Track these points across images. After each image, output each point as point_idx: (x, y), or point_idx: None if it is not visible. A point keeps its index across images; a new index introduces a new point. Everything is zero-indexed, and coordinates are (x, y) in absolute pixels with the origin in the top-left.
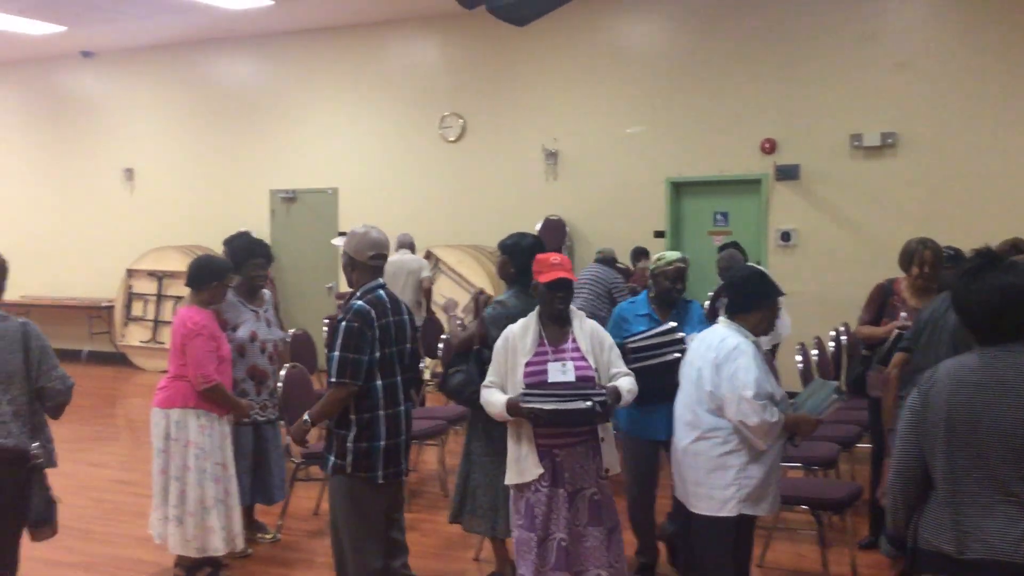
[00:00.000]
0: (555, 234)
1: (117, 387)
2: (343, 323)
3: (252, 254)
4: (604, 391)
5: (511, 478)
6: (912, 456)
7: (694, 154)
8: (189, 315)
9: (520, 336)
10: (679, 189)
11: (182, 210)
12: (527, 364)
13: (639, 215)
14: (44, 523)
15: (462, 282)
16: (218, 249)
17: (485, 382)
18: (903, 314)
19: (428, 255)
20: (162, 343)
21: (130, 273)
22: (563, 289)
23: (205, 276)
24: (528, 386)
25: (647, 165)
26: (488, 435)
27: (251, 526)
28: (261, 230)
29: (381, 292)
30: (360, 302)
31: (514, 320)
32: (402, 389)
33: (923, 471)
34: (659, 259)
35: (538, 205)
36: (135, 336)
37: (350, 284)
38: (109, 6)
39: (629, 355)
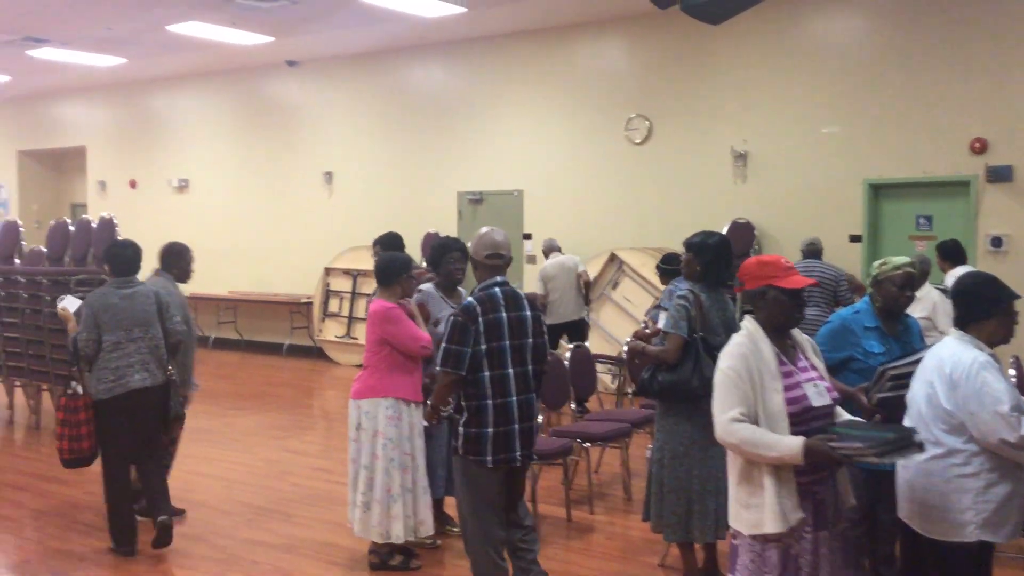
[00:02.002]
0: (743, 238)
1: (314, 379)
2: (451, 318)
3: (448, 249)
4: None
5: (771, 525)
6: None
7: (895, 154)
8: (382, 304)
9: (759, 356)
10: (878, 191)
11: (376, 211)
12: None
13: (834, 218)
14: (178, 419)
15: (646, 285)
16: (410, 248)
17: (733, 415)
18: None
19: (612, 257)
20: (356, 338)
21: (327, 271)
22: (802, 297)
23: (393, 272)
24: (792, 415)
25: (843, 166)
26: (678, 438)
27: (440, 518)
28: (449, 231)
29: (496, 290)
30: (470, 298)
31: (694, 316)
32: (522, 380)
33: None
34: (884, 264)
35: (725, 208)
36: (331, 331)
37: (477, 282)
38: (315, 17)
39: (887, 381)
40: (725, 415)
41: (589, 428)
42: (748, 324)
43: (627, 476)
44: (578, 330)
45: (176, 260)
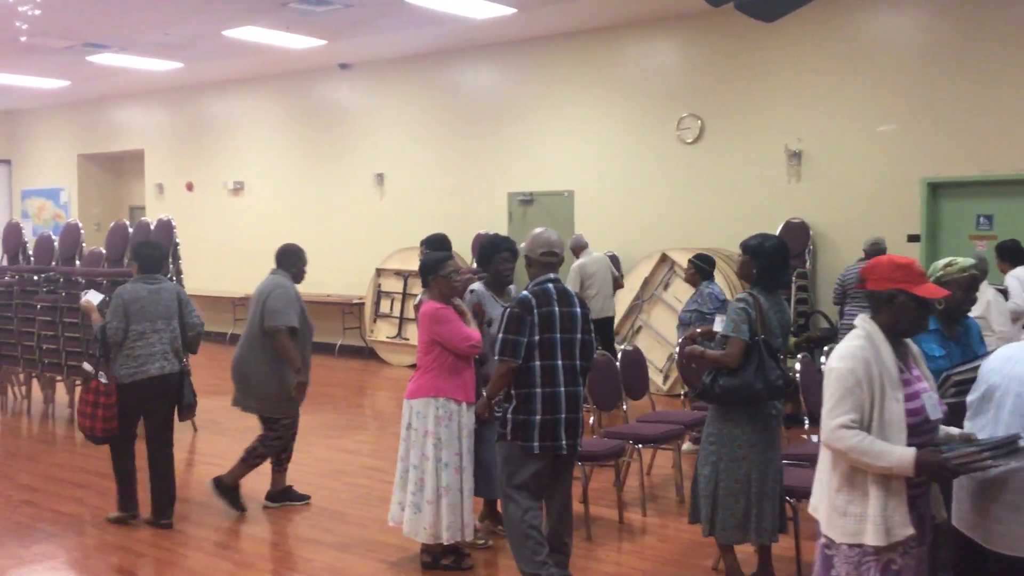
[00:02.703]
0: (797, 239)
1: (366, 380)
2: (507, 310)
3: (498, 248)
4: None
5: (872, 537)
6: None
7: (953, 153)
8: (431, 304)
9: (880, 361)
10: (936, 190)
11: (426, 212)
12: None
13: (891, 218)
14: (189, 408)
15: None
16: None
17: (843, 421)
18: None
19: (663, 258)
20: (407, 339)
21: (379, 272)
22: (932, 307)
23: (425, 272)
24: (910, 426)
25: (901, 165)
26: (735, 441)
27: (493, 517)
28: (499, 232)
29: (550, 285)
30: (526, 292)
31: (754, 319)
32: (570, 373)
33: None
34: (950, 265)
35: (779, 207)
36: (383, 332)
37: (530, 279)
38: (367, 20)
39: (950, 387)
40: (835, 420)
41: (641, 430)
42: (866, 325)
43: (679, 478)
44: (608, 327)
45: (293, 260)
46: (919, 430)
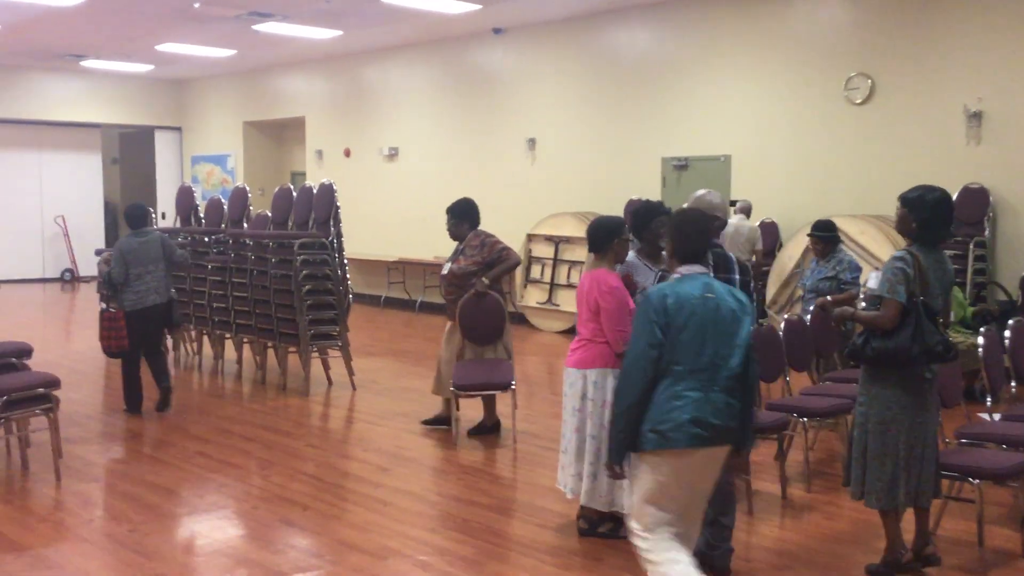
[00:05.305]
0: (976, 205)
1: (516, 345)
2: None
3: (655, 213)
4: None
5: None
6: None
7: None
8: (603, 277)
9: None
10: None
11: (578, 178)
12: None
13: None
14: (178, 326)
15: (864, 254)
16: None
17: None
18: None
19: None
20: (557, 305)
21: (530, 238)
22: None
23: (604, 236)
24: None
25: None
26: (885, 403)
27: None
28: (653, 198)
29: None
30: None
31: (912, 278)
32: None
33: None
34: None
35: (956, 172)
36: (533, 297)
37: None
38: None
39: None
40: None
41: (807, 403)
42: None
43: (847, 456)
44: None
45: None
46: None
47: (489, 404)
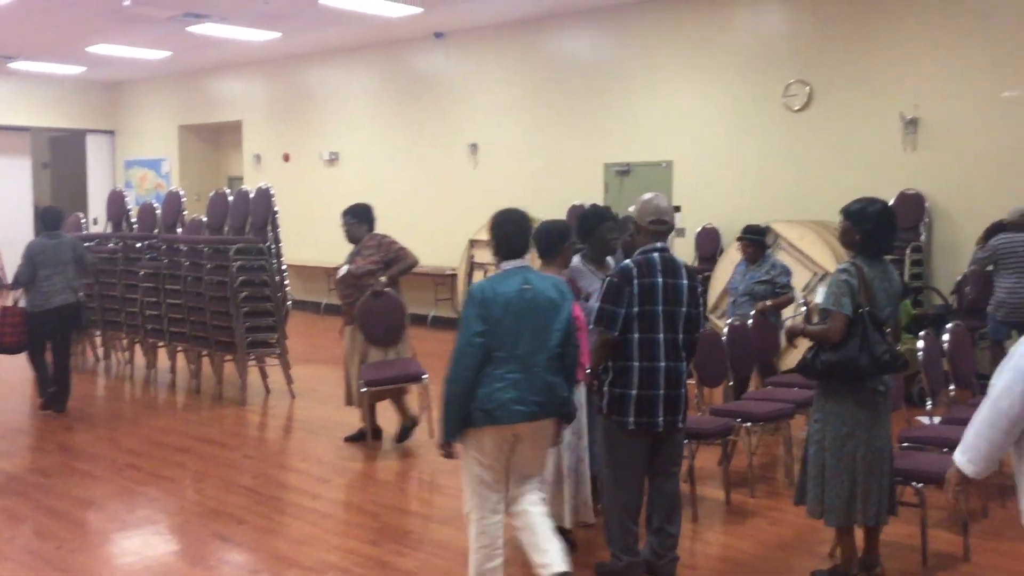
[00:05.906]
0: (911, 211)
1: (442, 346)
2: (607, 279)
3: (602, 218)
4: None
5: None
6: None
7: None
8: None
9: None
10: None
11: (520, 183)
12: None
13: (1017, 189)
14: (84, 329)
15: (804, 260)
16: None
17: None
18: None
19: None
20: None
21: (472, 243)
22: None
23: (554, 240)
24: None
25: None
26: (840, 419)
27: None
28: (597, 203)
29: (655, 255)
30: (628, 261)
31: (857, 290)
32: (671, 347)
33: None
34: None
35: (893, 178)
36: None
37: (636, 247)
38: None
39: None
40: None
41: (749, 408)
42: None
43: (789, 459)
44: None
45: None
46: None
47: (400, 404)
